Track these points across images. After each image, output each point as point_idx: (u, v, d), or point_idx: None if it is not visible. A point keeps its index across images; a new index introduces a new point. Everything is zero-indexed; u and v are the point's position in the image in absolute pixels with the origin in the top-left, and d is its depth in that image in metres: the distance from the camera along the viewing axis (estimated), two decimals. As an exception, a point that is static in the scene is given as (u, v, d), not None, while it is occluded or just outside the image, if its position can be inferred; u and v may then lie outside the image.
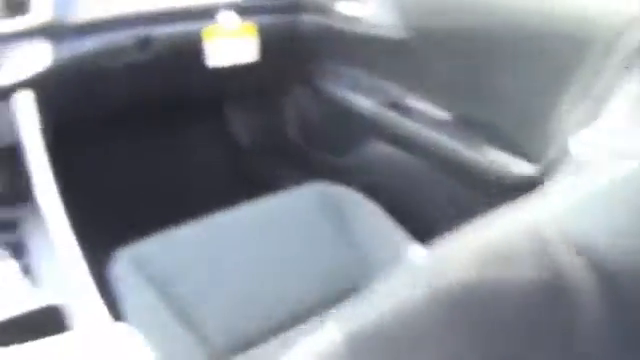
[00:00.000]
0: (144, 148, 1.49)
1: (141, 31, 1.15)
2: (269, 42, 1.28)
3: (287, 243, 1.04)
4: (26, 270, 0.92)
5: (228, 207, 1.08)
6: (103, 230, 1.12)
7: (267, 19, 1.29)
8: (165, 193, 1.47)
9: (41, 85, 1.01)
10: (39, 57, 1.00)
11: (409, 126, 1.13)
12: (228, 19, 1.23)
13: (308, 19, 1.31)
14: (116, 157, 1.46)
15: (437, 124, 1.07)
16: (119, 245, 1.00)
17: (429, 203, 1.18)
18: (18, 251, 0.95)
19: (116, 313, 0.88)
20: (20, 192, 1.03)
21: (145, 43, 1.13)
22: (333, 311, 0.95)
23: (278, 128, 1.60)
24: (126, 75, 1.16)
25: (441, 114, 1.07)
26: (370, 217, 1.11)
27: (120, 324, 0.81)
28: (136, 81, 1.19)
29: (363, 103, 1.24)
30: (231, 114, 1.71)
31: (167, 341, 0.85)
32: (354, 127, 1.30)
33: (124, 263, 0.96)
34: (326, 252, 1.04)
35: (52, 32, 1.01)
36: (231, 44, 1.25)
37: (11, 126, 1.00)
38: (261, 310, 0.93)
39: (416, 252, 0.99)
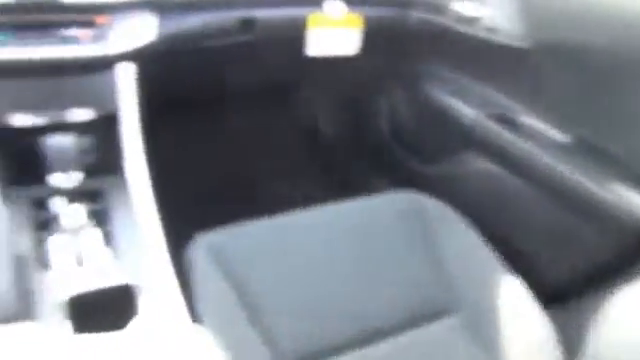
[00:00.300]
0: (227, 131, 1.48)
1: (245, 12, 1.12)
2: (373, 36, 1.21)
3: (366, 253, 0.99)
4: (108, 240, 0.92)
5: (307, 202, 1.04)
6: (183, 211, 1.12)
7: (374, 11, 1.22)
8: (245, 178, 1.45)
9: (143, 58, 1.01)
10: (145, 30, 0.99)
11: (516, 143, 1.03)
12: (334, 8, 1.18)
13: (418, 16, 1.23)
14: (199, 138, 1.46)
15: (552, 146, 0.97)
16: (198, 228, 0.99)
17: (526, 229, 1.08)
18: (102, 221, 0.95)
19: (188, 298, 0.87)
20: (110, 163, 1.03)
21: (248, 25, 1.10)
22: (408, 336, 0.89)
23: (367, 126, 1.54)
24: (225, 55, 1.14)
25: (559, 136, 0.96)
26: (459, 234, 1.02)
27: (192, 325, 0.80)
28: (234, 62, 1.17)
29: (467, 112, 1.15)
30: (320, 106, 1.67)
31: (235, 339, 0.82)
32: (452, 136, 1.21)
33: (201, 250, 0.94)
34: (407, 268, 0.98)
35: (160, 6, 1.00)
36: (334, 34, 1.19)
37: (111, 95, 1.00)
38: (332, 322, 0.88)
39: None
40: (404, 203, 1.06)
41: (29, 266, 0.84)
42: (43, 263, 0.87)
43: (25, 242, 0.88)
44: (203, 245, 0.95)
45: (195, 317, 0.84)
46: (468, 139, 1.16)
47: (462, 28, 1.13)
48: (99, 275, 0.85)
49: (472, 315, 0.93)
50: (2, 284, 0.72)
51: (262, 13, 1.13)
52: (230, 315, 0.86)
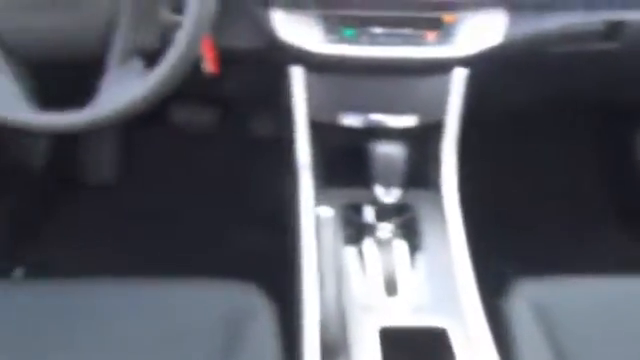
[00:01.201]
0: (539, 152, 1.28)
1: (611, 15, 0.90)
2: None
3: None
4: (417, 258, 0.85)
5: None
6: (492, 239, 0.98)
7: None
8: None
9: (482, 62, 0.88)
10: (493, 31, 0.85)
11: None
12: None
13: None
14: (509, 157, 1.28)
15: None
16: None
17: None
18: (411, 236, 0.87)
19: (502, 349, 0.74)
20: (420, 175, 0.94)
21: (615, 29, 0.89)
22: None
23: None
24: (576, 64, 0.94)
25: None
26: None
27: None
28: (586, 73, 0.96)
29: None
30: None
31: None
32: None
33: (523, 301, 0.78)
34: None
35: (514, 4, 0.85)
36: None
37: (440, 102, 0.90)
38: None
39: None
40: None
41: (348, 279, 0.80)
42: (358, 275, 0.82)
43: (344, 251, 0.84)
44: (525, 296, 0.79)
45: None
46: None
47: None
48: (414, 310, 0.77)
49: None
50: (330, 298, 0.68)
51: (632, 16, 0.90)
52: None
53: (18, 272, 1.20)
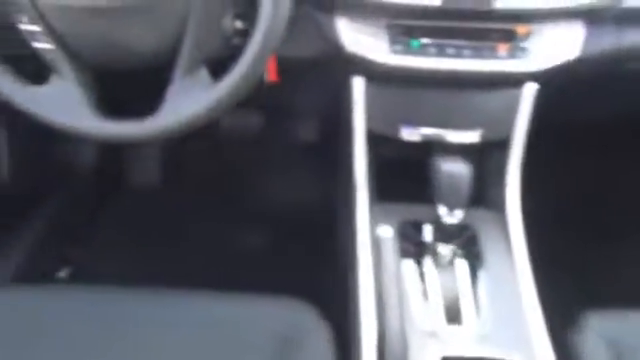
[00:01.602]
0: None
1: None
2: None
3: None
4: (479, 281, 0.81)
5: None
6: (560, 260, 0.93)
7: None
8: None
9: (554, 78, 0.83)
10: (569, 45, 0.80)
11: None
12: None
13: None
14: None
15: None
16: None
17: None
18: (472, 257, 0.83)
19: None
20: (479, 193, 0.90)
21: None
22: None
23: None
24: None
25: None
26: None
27: None
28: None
29: None
30: None
31: None
32: None
33: (593, 335, 0.73)
34: None
35: (594, 16, 0.79)
36: None
37: (506, 119, 0.86)
38: None
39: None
40: None
41: (408, 303, 0.76)
42: (418, 298, 0.79)
43: (404, 270, 0.81)
44: (596, 329, 0.74)
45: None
46: None
47: None
48: (478, 340, 0.73)
49: None
50: (392, 322, 0.64)
51: None
52: None
53: (63, 273, 1.20)
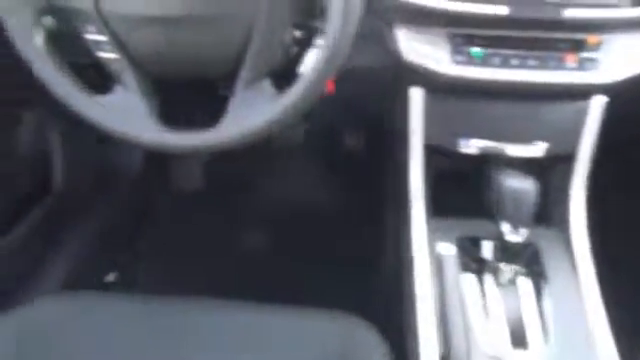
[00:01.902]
0: None
1: None
2: None
3: None
4: (542, 300, 0.77)
5: None
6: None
7: None
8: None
9: (625, 89, 0.79)
10: (638, 55, 0.76)
11: None
12: None
13: None
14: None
15: None
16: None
17: None
18: (534, 276, 0.79)
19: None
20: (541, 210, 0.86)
21: None
22: None
23: None
24: None
25: None
26: None
27: None
28: None
29: None
30: None
31: None
32: None
33: None
34: None
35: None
36: None
37: (572, 132, 0.82)
38: None
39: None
40: None
41: (472, 320, 0.73)
42: (481, 319, 0.76)
43: (464, 285, 0.78)
44: None
45: None
46: None
47: None
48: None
49: None
50: (458, 346, 0.62)
51: None
52: None
53: (111, 277, 1.21)
